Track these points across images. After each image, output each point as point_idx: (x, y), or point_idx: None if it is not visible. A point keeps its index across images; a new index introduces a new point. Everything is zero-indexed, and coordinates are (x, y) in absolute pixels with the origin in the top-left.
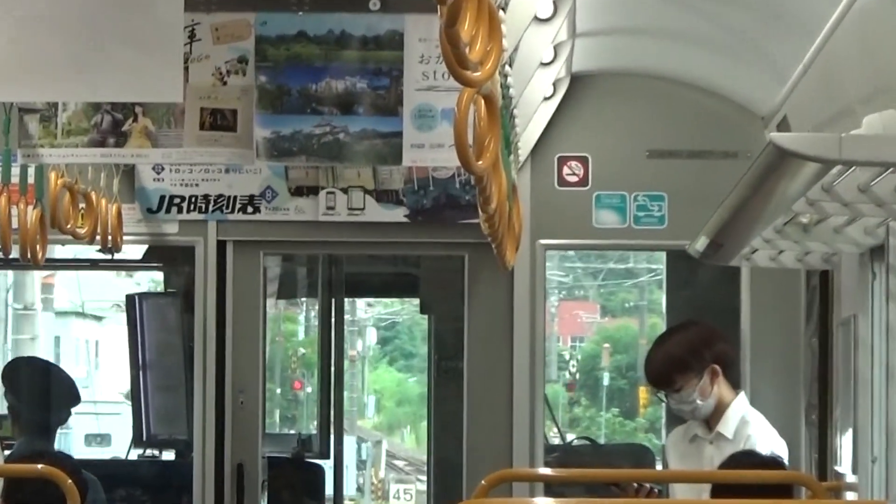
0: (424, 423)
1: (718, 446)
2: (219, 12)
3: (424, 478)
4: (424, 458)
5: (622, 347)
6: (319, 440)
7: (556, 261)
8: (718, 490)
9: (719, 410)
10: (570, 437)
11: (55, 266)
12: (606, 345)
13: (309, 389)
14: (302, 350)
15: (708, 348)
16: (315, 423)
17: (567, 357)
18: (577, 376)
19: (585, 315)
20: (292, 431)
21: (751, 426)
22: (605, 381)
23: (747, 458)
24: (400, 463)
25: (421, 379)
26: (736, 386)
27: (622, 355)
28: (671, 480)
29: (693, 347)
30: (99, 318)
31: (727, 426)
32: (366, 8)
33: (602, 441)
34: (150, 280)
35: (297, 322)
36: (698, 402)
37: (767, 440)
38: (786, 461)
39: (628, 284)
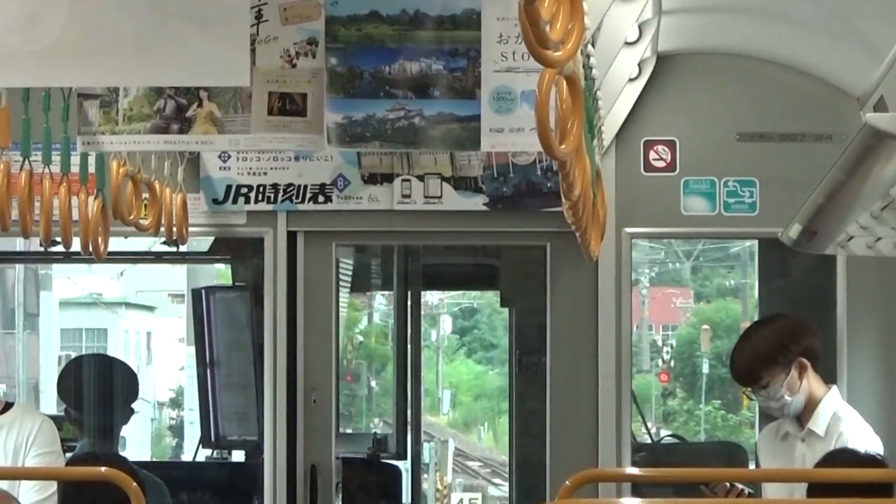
0: (502, 421)
1: (810, 444)
2: None
3: (499, 480)
4: (501, 458)
5: (723, 331)
6: (396, 440)
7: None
8: (815, 489)
9: (810, 406)
10: (664, 432)
11: (117, 259)
12: (705, 327)
13: (373, 384)
14: (360, 338)
15: (794, 342)
16: (376, 420)
17: (660, 343)
18: (672, 364)
19: (679, 298)
20: (361, 430)
21: (843, 423)
22: (705, 369)
23: (845, 457)
24: (474, 465)
25: (501, 371)
26: (828, 380)
27: (723, 340)
28: (764, 480)
29: (779, 341)
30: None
31: (819, 423)
32: None
33: (703, 438)
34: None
35: (361, 310)
36: (786, 397)
37: (860, 438)
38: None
39: (731, 252)
